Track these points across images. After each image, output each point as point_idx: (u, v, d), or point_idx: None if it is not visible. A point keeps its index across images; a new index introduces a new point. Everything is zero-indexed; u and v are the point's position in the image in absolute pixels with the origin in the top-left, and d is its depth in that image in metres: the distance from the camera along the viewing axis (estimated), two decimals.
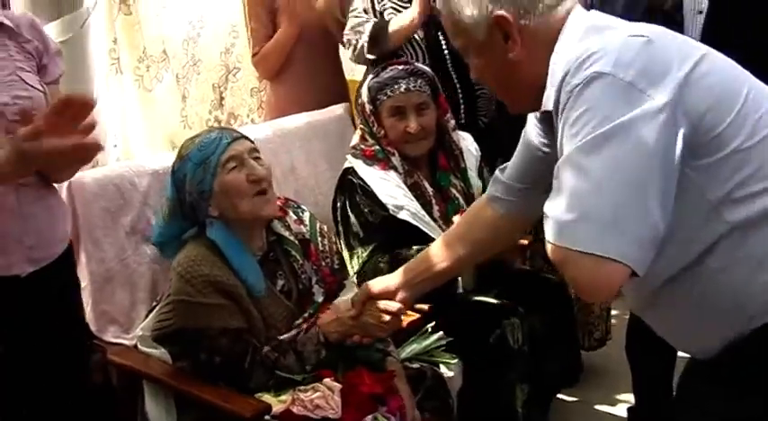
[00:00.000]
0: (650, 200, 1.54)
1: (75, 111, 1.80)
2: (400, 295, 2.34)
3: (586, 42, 1.68)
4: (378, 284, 2.39)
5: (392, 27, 3.46)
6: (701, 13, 2.79)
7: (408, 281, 2.34)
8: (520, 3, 1.78)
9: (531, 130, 2.08)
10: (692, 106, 1.59)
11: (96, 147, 1.87)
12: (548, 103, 1.74)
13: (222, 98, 4.38)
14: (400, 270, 2.36)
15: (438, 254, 2.30)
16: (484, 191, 3.00)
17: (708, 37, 2.66)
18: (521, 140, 2.13)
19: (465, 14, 1.83)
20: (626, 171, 1.54)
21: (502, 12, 1.77)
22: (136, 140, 3.83)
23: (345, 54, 3.87)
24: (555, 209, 1.60)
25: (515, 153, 2.15)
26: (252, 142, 2.54)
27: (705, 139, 1.60)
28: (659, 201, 1.55)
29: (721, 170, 1.61)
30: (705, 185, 1.61)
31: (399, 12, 3.49)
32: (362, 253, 2.88)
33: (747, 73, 1.76)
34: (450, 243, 2.30)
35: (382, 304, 2.36)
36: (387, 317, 2.35)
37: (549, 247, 1.61)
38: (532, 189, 2.07)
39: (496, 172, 2.21)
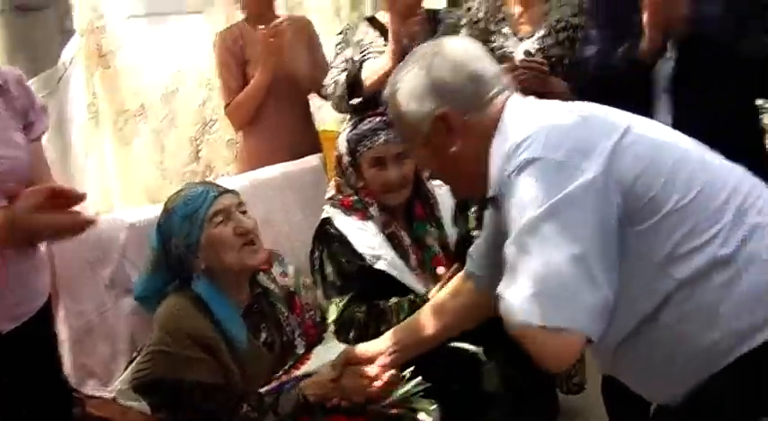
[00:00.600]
0: (595, 270, 1.64)
1: (64, 201, 1.86)
2: (383, 360, 2.39)
3: (519, 129, 1.80)
4: (361, 349, 2.43)
5: (365, 73, 3.53)
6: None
7: (393, 346, 2.40)
8: (461, 99, 1.90)
9: (488, 211, 2.17)
10: (623, 175, 1.69)
11: (91, 222, 1.92)
12: (491, 189, 1.84)
13: (199, 150, 4.43)
14: (387, 335, 2.42)
15: (425, 321, 2.38)
16: (459, 238, 3.07)
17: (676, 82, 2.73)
18: (484, 219, 2.23)
19: (410, 110, 1.94)
20: (568, 246, 1.64)
21: (444, 109, 1.88)
22: (114, 193, 3.86)
23: (317, 104, 3.94)
24: (508, 289, 1.71)
25: (482, 230, 2.24)
26: (238, 196, 2.58)
27: (639, 205, 1.70)
28: (604, 269, 1.65)
29: (661, 231, 1.70)
30: (648, 247, 1.71)
31: None
32: (340, 302, 2.90)
33: (676, 132, 1.87)
34: (437, 311, 2.38)
35: (362, 368, 2.39)
36: (366, 382, 2.39)
37: (508, 326, 1.71)
38: (499, 266, 2.15)
39: (470, 248, 2.29)
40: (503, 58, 3.29)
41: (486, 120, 1.89)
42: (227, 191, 2.57)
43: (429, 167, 2.08)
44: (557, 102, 1.94)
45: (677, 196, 1.71)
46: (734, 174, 1.83)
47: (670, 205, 1.71)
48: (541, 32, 3.32)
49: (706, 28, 2.58)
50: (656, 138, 1.81)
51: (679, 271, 1.70)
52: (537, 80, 3.16)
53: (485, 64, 1.96)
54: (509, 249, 1.72)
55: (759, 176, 2.48)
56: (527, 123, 1.80)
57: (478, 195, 2.00)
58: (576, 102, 1.94)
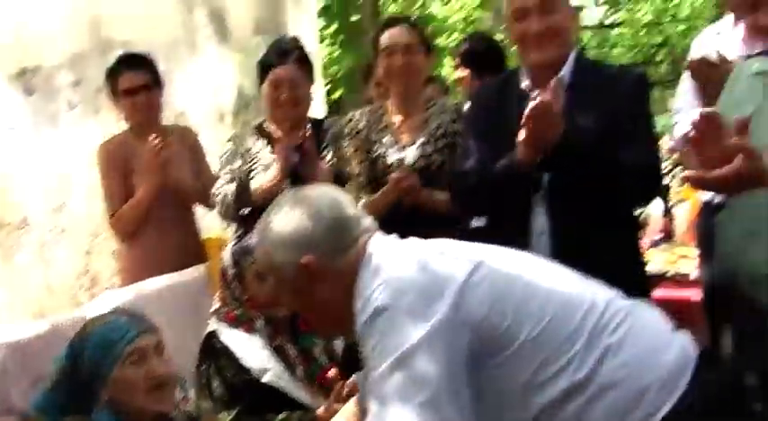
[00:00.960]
0: (447, 411, 1.70)
1: None
2: None
3: (375, 275, 1.85)
4: None
5: (254, 185, 3.56)
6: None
7: None
8: (323, 247, 1.95)
9: None
10: (472, 314, 1.76)
11: None
12: (356, 332, 1.88)
13: (87, 262, 4.36)
14: None
15: None
16: (346, 348, 3.08)
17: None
18: None
19: (276, 256, 1.98)
20: (418, 394, 1.70)
21: (308, 257, 1.93)
22: None
23: (201, 213, 3.94)
24: None
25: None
26: (158, 335, 2.52)
27: (492, 339, 1.76)
28: (457, 409, 1.71)
29: (517, 362, 1.77)
30: (509, 377, 1.78)
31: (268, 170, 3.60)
32: (227, 417, 2.86)
33: (531, 258, 1.94)
34: None
35: None
36: None
37: None
38: None
39: (359, 375, 2.33)
40: (384, 167, 3.36)
41: (349, 265, 1.93)
42: (148, 330, 2.51)
43: (297, 311, 2.12)
44: (413, 241, 2.00)
45: (529, 327, 1.78)
46: (589, 293, 1.89)
47: (522, 336, 1.77)
48: (422, 140, 3.40)
49: (580, 139, 2.68)
50: (506, 271, 1.87)
51: (540, 397, 1.76)
52: (412, 196, 3.26)
53: (346, 209, 2.01)
54: (367, 393, 1.79)
55: (633, 283, 2.60)
56: (381, 269, 1.86)
57: (348, 337, 2.04)
58: (431, 240, 2.00)
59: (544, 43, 2.82)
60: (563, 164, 2.72)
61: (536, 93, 2.72)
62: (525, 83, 2.89)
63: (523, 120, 2.61)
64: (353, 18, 6.05)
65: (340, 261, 1.94)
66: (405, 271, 1.83)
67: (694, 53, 3.46)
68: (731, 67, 2.84)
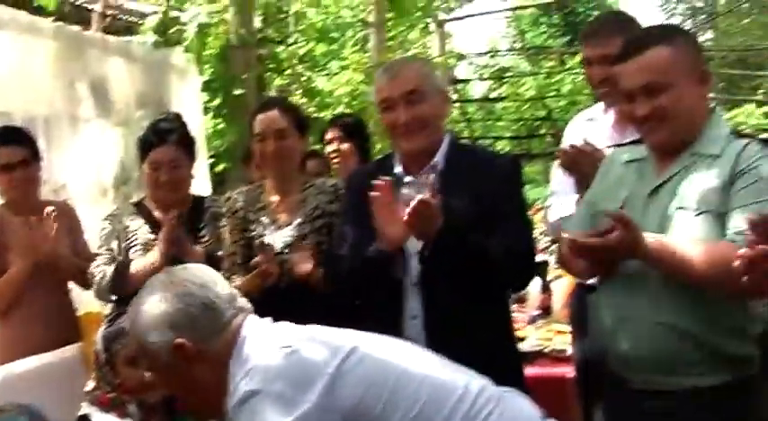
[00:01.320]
0: None
1: None
2: None
3: (246, 358, 1.88)
4: None
5: (134, 268, 3.53)
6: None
7: None
8: (198, 329, 1.97)
9: None
10: (344, 400, 1.79)
11: None
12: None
13: None
14: None
15: None
16: None
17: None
18: None
19: (149, 340, 1.99)
20: None
21: (180, 339, 1.94)
22: None
23: (77, 289, 3.87)
24: None
25: None
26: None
27: None
28: None
29: None
30: None
31: (148, 251, 3.57)
32: None
33: (401, 347, 1.99)
34: None
35: None
36: None
37: None
38: None
39: None
40: (261, 247, 3.38)
41: (223, 347, 1.95)
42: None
43: (172, 392, 2.11)
44: (287, 325, 2.02)
45: (402, 411, 1.80)
46: (462, 379, 1.94)
47: (395, 420, 1.79)
48: (298, 220, 3.43)
49: (455, 226, 2.75)
50: (379, 356, 1.91)
51: None
52: (307, 265, 3.28)
53: (218, 290, 2.03)
54: None
55: (507, 365, 2.66)
56: (254, 352, 1.88)
57: (223, 419, 2.03)
58: (305, 326, 2.02)
59: (412, 134, 2.91)
60: (434, 248, 2.79)
61: (409, 180, 2.80)
62: (398, 169, 2.97)
63: (405, 217, 2.67)
64: (237, 92, 6.07)
65: (214, 343, 1.95)
66: (277, 357, 1.84)
67: (568, 136, 3.57)
68: (600, 155, 2.96)
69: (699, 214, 2.44)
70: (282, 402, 1.75)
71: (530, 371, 3.92)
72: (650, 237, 2.39)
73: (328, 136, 4.42)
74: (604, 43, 3.20)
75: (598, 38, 3.29)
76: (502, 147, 23.16)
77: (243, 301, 2.08)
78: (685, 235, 2.44)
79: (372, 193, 2.75)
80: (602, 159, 2.88)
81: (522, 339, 4.46)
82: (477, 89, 23.30)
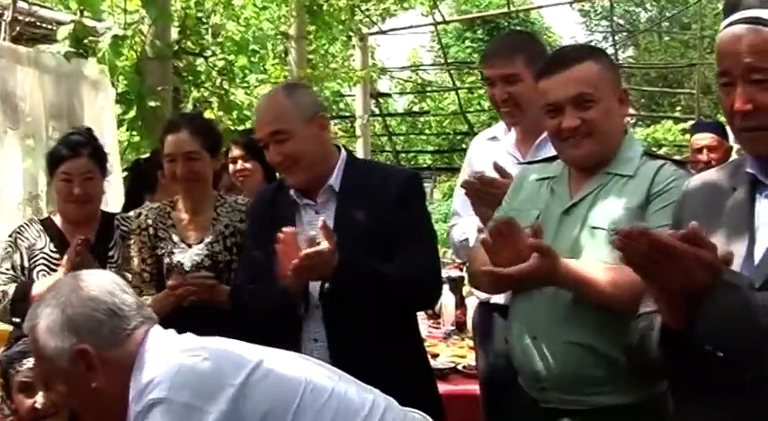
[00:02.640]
0: None
1: None
2: None
3: (152, 367, 1.82)
4: None
5: (36, 289, 3.41)
6: None
7: None
8: (99, 335, 1.92)
9: None
10: (249, 413, 1.76)
11: None
12: None
13: None
14: None
15: None
16: None
17: None
18: None
19: (48, 345, 1.93)
20: None
21: (82, 345, 1.89)
22: None
23: None
24: None
25: None
26: None
27: None
28: None
29: None
30: None
31: (53, 270, 3.48)
32: None
33: (310, 365, 1.96)
34: None
35: None
36: None
37: None
38: None
39: None
40: (170, 266, 3.32)
41: (126, 355, 1.90)
42: None
43: (69, 405, 2.04)
44: (193, 337, 1.98)
45: None
46: (369, 398, 1.92)
47: None
48: (210, 238, 3.37)
49: (348, 261, 2.74)
50: (286, 373, 1.89)
51: None
52: (203, 294, 3.23)
53: (124, 298, 1.98)
54: None
55: (418, 384, 2.64)
56: (159, 361, 1.83)
57: None
58: (212, 338, 1.98)
59: (289, 170, 2.91)
60: (338, 287, 2.78)
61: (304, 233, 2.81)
62: (292, 192, 2.96)
63: (297, 265, 2.65)
64: (153, 104, 5.97)
65: (118, 350, 1.90)
66: (183, 367, 1.81)
67: (471, 155, 3.59)
68: (507, 183, 2.95)
69: (612, 235, 2.45)
70: (187, 412, 1.73)
71: (443, 387, 3.92)
72: (568, 262, 2.40)
73: (232, 154, 4.32)
74: (506, 63, 3.22)
75: (500, 57, 3.29)
76: (424, 160, 23.36)
77: (149, 311, 2.05)
78: (598, 255, 2.46)
79: (277, 246, 2.74)
80: (507, 188, 2.88)
81: (435, 356, 4.47)
82: (399, 103, 23.43)
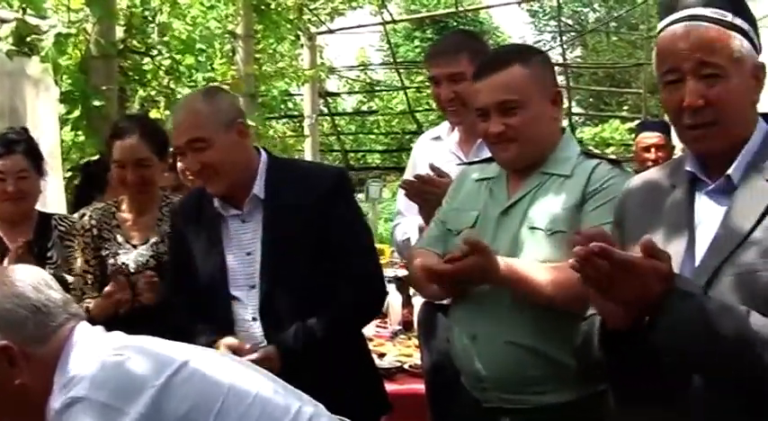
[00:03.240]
0: None
1: None
2: None
3: (74, 364, 1.82)
4: None
5: None
6: None
7: None
8: (25, 332, 1.89)
9: None
10: (170, 414, 1.76)
11: None
12: None
13: None
14: None
15: None
16: None
17: None
18: None
19: None
20: None
21: (6, 341, 1.87)
22: None
23: None
24: None
25: None
26: None
27: None
28: None
29: None
30: None
31: None
32: None
33: (237, 367, 1.96)
34: None
35: None
36: None
37: None
38: None
39: None
40: (115, 267, 3.29)
41: (51, 351, 1.88)
42: None
43: None
44: (119, 335, 1.97)
45: None
46: (295, 404, 1.92)
47: None
48: (154, 239, 3.35)
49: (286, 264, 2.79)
50: (210, 373, 1.87)
51: None
52: (151, 294, 3.21)
53: (50, 294, 1.95)
54: None
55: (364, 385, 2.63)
56: (82, 359, 1.82)
57: None
58: (138, 336, 1.97)
59: (209, 180, 2.84)
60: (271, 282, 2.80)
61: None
62: (216, 203, 2.91)
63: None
64: (97, 103, 5.89)
65: (41, 347, 1.88)
66: (105, 366, 1.80)
67: (415, 155, 3.61)
68: (446, 182, 2.97)
69: (550, 234, 2.49)
70: (106, 412, 1.71)
71: (390, 387, 3.94)
72: (502, 261, 2.42)
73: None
74: (451, 62, 3.21)
75: (445, 57, 3.29)
76: (373, 160, 23.37)
77: (76, 307, 2.02)
78: (537, 255, 2.49)
79: None
80: (448, 186, 2.90)
81: (382, 355, 4.48)
82: (348, 102, 23.42)
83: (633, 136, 5.79)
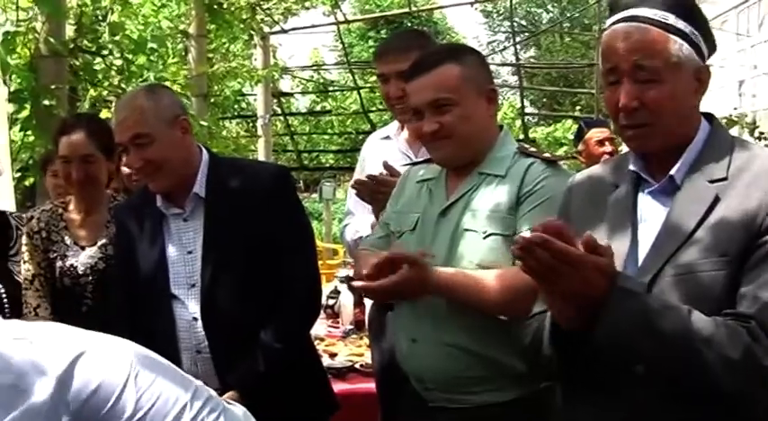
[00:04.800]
0: None
1: None
2: None
3: None
4: None
5: None
6: None
7: None
8: None
9: None
10: (75, 394, 1.75)
11: None
12: None
13: None
14: None
15: None
16: None
17: None
18: None
19: None
20: None
21: None
22: None
23: None
24: None
25: None
26: None
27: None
28: None
29: None
30: None
31: None
32: None
33: (136, 350, 1.96)
34: None
35: None
36: None
37: None
38: None
39: None
40: (63, 269, 3.27)
41: None
42: None
43: None
44: (19, 322, 1.97)
45: (128, 412, 1.78)
46: (191, 388, 1.93)
47: (124, 419, 1.78)
48: (104, 241, 3.33)
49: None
50: (111, 359, 1.87)
51: None
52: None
53: None
54: None
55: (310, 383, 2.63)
56: None
57: None
58: (37, 323, 1.98)
59: (150, 177, 2.84)
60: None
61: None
62: (159, 201, 2.90)
63: None
64: (47, 103, 5.84)
65: None
66: (7, 349, 1.79)
67: (364, 154, 3.61)
68: (394, 182, 2.98)
69: (487, 236, 2.50)
70: (10, 393, 1.70)
71: (342, 386, 3.96)
72: (442, 271, 2.44)
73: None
74: (400, 59, 3.17)
75: (394, 54, 3.28)
76: (326, 160, 23.36)
77: None
78: (472, 257, 2.51)
79: None
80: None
81: (334, 355, 4.50)
82: (301, 102, 23.39)
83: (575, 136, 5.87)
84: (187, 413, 1.85)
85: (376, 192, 3.09)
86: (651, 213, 1.96)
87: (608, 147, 5.34)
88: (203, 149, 2.96)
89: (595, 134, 5.43)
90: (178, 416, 1.83)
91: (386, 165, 3.14)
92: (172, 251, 2.86)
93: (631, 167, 2.01)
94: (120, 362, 1.87)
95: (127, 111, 2.84)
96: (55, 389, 1.72)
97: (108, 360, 1.85)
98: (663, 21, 1.91)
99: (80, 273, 3.27)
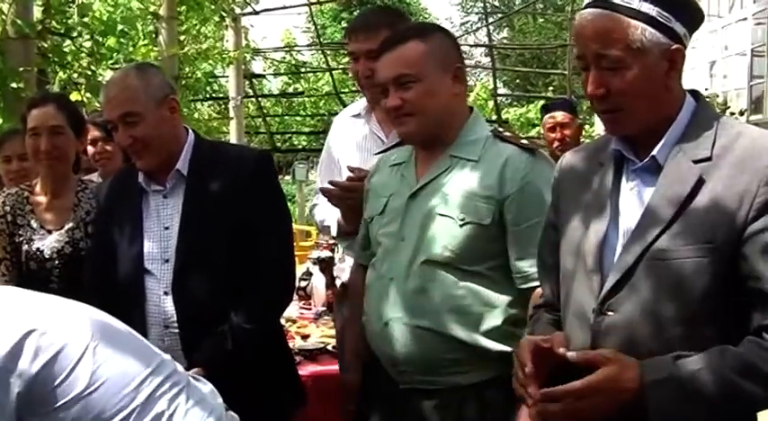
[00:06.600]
0: None
1: None
2: None
3: None
4: None
5: None
6: None
7: None
8: None
9: None
10: (25, 366, 1.75)
11: None
12: None
13: None
14: None
15: None
16: None
17: None
18: None
19: None
20: None
21: None
22: None
23: None
24: None
25: None
26: None
27: (43, 394, 1.75)
28: None
29: (68, 415, 1.77)
30: None
31: None
32: None
33: (100, 318, 1.95)
34: None
35: None
36: None
37: None
38: None
39: None
40: (30, 253, 3.24)
41: None
42: None
43: None
44: None
45: (82, 385, 1.78)
46: (155, 359, 1.93)
47: (74, 393, 1.77)
48: (70, 225, 3.30)
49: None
50: (69, 327, 1.86)
51: None
52: None
53: None
54: None
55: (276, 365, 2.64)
56: None
57: None
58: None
59: (139, 154, 2.86)
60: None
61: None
62: (141, 178, 2.92)
63: None
64: (15, 85, 5.78)
65: None
66: None
67: (333, 132, 3.56)
68: (361, 186, 2.95)
69: (464, 224, 2.50)
70: None
71: (313, 368, 3.97)
72: None
73: (92, 135, 4.17)
74: (370, 37, 3.15)
75: (364, 32, 3.25)
76: (299, 142, 23.29)
77: None
78: (447, 244, 2.51)
79: None
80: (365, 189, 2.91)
81: (306, 336, 4.51)
82: (273, 84, 23.30)
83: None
84: (146, 387, 1.85)
85: (342, 198, 3.09)
86: (633, 194, 1.96)
87: (558, 134, 5.21)
88: (190, 131, 2.99)
89: (547, 120, 5.31)
90: (136, 389, 1.83)
91: (350, 169, 3.12)
92: (148, 226, 2.88)
93: (614, 146, 2.01)
94: (79, 335, 1.85)
95: (117, 89, 2.86)
96: (3, 360, 1.72)
97: (65, 333, 1.84)
98: (626, 5, 1.88)
99: (46, 257, 3.24)
